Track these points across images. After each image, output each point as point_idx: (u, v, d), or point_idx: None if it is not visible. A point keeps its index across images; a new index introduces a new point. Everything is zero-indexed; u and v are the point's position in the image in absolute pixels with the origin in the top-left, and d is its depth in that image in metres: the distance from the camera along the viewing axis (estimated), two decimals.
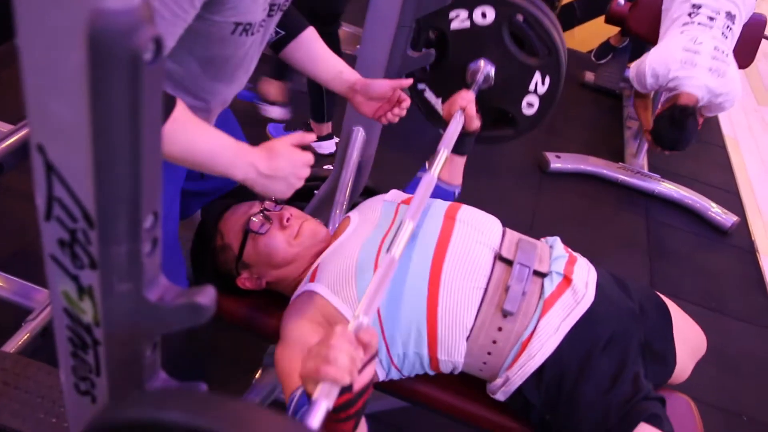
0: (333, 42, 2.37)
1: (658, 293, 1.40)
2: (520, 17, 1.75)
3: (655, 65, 2.61)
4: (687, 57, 2.56)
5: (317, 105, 2.59)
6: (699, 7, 2.67)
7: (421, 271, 1.19)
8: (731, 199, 3.14)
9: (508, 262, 1.24)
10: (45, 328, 1.51)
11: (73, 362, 0.61)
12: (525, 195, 2.84)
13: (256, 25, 1.07)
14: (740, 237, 2.89)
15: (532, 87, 1.83)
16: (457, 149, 1.47)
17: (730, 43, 2.67)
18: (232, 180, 1.55)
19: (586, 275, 1.27)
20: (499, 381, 1.22)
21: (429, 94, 1.97)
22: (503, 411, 1.27)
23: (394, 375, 1.24)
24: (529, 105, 1.87)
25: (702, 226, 2.90)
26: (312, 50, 1.37)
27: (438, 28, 1.84)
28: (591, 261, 1.35)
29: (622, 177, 3.00)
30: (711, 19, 2.65)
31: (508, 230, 1.33)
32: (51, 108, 0.43)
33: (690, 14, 2.68)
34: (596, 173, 3.01)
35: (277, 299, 1.36)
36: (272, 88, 2.73)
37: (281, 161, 1.02)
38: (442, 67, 1.87)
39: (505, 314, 1.19)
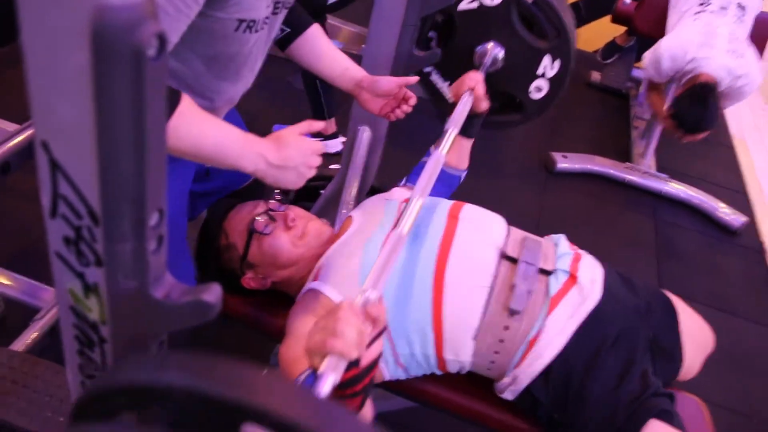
0: None
1: (664, 290, 1.39)
2: None
3: (672, 48, 2.57)
4: (704, 39, 2.53)
5: (316, 103, 2.58)
6: None
7: (425, 271, 1.19)
8: (739, 198, 3.12)
9: (513, 261, 1.23)
10: (53, 327, 1.52)
11: (79, 360, 0.61)
12: (530, 195, 2.83)
13: (260, 22, 1.07)
14: (749, 237, 2.87)
15: (540, 70, 1.80)
16: (464, 131, 1.46)
17: (744, 31, 2.65)
18: (239, 178, 1.57)
19: (592, 272, 1.27)
20: (507, 380, 1.21)
21: (435, 77, 1.94)
22: (511, 410, 1.27)
23: (400, 375, 1.23)
24: (538, 89, 1.85)
25: (710, 227, 2.89)
26: (317, 47, 1.37)
27: (445, 10, 1.80)
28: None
29: (630, 177, 2.98)
30: (723, 8, 2.63)
31: (512, 228, 1.32)
32: (54, 104, 0.43)
33: (701, 4, 2.66)
34: (603, 173, 3.00)
35: (281, 298, 1.36)
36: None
37: (290, 151, 1.01)
38: (449, 49, 1.83)
39: (512, 313, 1.18)
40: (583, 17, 4.01)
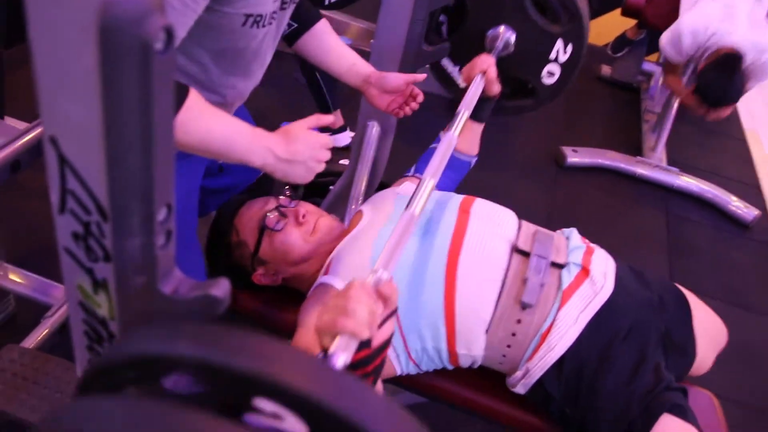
0: None
1: (677, 285, 1.38)
2: None
3: (693, 23, 2.52)
4: (725, 13, 2.49)
5: (319, 97, 2.57)
6: None
7: (436, 266, 1.18)
8: (752, 192, 3.09)
9: (525, 254, 1.23)
10: (63, 324, 1.52)
11: (89, 356, 0.61)
12: (541, 189, 2.81)
13: (267, 17, 1.06)
14: (762, 231, 2.85)
15: (553, 55, 1.77)
16: (475, 115, 1.45)
17: (762, 11, 2.60)
18: (251, 175, 1.57)
19: (604, 266, 1.26)
20: (519, 374, 1.21)
21: (446, 62, 1.92)
22: (522, 405, 1.26)
23: (412, 370, 1.23)
24: (550, 74, 1.82)
25: (722, 220, 2.86)
26: (325, 42, 1.37)
27: None
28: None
29: (641, 171, 2.96)
30: None
31: (524, 222, 1.32)
32: (62, 99, 0.43)
33: None
34: (614, 167, 2.98)
35: (292, 294, 1.36)
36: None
37: (299, 145, 1.00)
38: (460, 33, 1.80)
39: (524, 306, 1.18)
40: (596, 9, 3.98)
